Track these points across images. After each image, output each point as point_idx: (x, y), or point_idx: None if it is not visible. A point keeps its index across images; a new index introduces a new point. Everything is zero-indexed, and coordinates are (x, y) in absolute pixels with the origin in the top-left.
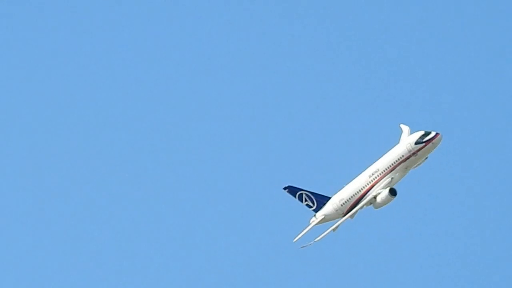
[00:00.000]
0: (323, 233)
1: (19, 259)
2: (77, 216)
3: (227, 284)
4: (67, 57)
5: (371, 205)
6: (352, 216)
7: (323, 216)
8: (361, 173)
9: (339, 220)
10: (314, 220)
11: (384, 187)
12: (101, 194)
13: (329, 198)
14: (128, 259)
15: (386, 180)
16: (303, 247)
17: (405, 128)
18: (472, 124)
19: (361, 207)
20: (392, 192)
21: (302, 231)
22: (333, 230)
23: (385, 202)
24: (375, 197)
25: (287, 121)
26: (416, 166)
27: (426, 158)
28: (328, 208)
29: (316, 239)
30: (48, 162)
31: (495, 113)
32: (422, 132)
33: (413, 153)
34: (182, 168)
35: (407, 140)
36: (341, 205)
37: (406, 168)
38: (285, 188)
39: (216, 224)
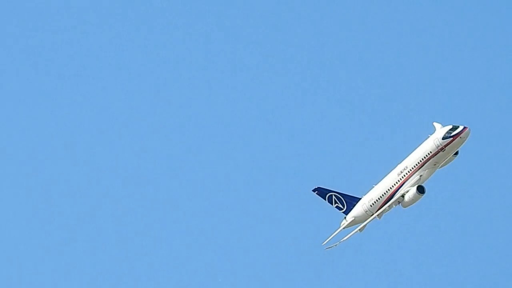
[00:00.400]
0: (349, 233)
1: (19, 259)
2: (77, 216)
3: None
4: (67, 57)
5: (399, 204)
6: (379, 216)
7: (353, 218)
8: (390, 171)
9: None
10: (344, 223)
11: (412, 185)
12: (111, 195)
13: (359, 199)
14: (147, 260)
15: (415, 178)
16: (328, 248)
17: (438, 126)
18: (505, 122)
19: (389, 207)
20: (420, 190)
21: (332, 233)
22: (360, 230)
23: (413, 200)
24: (403, 196)
25: (313, 122)
26: (446, 163)
27: (457, 154)
28: (358, 209)
29: (341, 240)
30: (48, 162)
31: None
32: (450, 127)
33: (441, 149)
34: (210, 170)
35: (435, 135)
36: (371, 205)
37: (435, 164)
38: (314, 190)
39: (247, 227)
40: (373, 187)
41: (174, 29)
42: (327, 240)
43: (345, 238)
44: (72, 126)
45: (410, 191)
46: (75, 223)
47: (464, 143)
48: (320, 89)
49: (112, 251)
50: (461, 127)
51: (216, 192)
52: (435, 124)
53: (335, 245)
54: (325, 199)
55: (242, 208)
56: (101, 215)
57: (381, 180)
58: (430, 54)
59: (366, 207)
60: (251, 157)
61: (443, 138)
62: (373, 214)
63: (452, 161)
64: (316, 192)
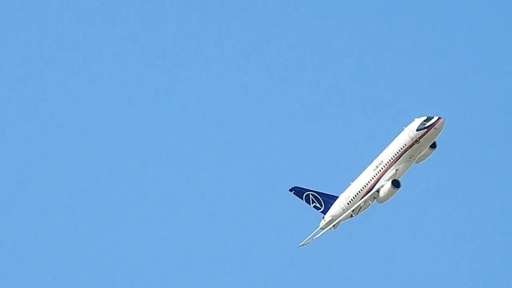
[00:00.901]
0: (322, 231)
1: (19, 259)
2: (77, 216)
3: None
4: (66, 57)
5: (375, 200)
6: (354, 212)
7: (331, 218)
8: (367, 167)
9: (344, 219)
10: (323, 223)
11: (388, 180)
12: (111, 195)
13: (337, 197)
14: (130, 261)
15: (391, 172)
16: (300, 246)
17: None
18: (482, 116)
19: (365, 203)
20: (395, 184)
21: (310, 234)
22: (334, 227)
23: (388, 195)
24: (378, 191)
25: (286, 122)
26: (425, 157)
27: (435, 147)
28: (336, 208)
29: (314, 238)
30: (48, 163)
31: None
32: (424, 118)
33: (416, 141)
34: (187, 171)
35: (409, 127)
36: (348, 203)
37: (410, 157)
38: (291, 190)
39: (223, 230)
40: (350, 184)
41: (173, 28)
42: (306, 240)
43: (317, 236)
44: (71, 126)
45: (385, 186)
46: (74, 224)
47: (439, 134)
48: (293, 88)
49: (108, 251)
50: (435, 118)
51: (191, 194)
52: (416, 119)
53: (308, 243)
54: (302, 199)
55: (218, 211)
56: (100, 215)
57: (358, 176)
58: (399, 46)
59: (343, 205)
60: (225, 158)
61: (417, 130)
62: (351, 212)
63: (430, 155)
64: (293, 191)
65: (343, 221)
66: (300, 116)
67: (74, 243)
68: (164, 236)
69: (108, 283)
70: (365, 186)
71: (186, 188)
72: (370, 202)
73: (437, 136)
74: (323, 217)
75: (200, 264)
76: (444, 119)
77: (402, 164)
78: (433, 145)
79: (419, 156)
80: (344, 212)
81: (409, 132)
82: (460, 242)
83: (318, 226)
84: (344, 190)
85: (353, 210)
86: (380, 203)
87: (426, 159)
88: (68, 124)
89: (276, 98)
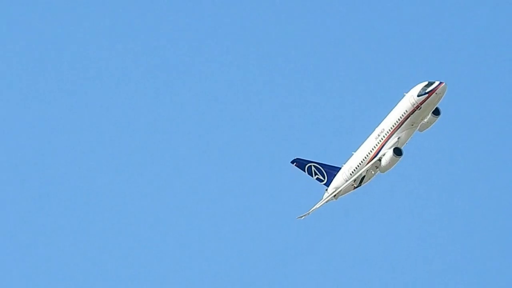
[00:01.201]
0: (322, 201)
1: (19, 259)
2: (77, 217)
3: (236, 262)
4: (65, 57)
5: (377, 169)
6: (356, 182)
7: (334, 189)
8: (369, 136)
9: (346, 190)
10: (326, 195)
11: (389, 148)
12: (110, 195)
13: (339, 168)
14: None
15: (393, 140)
16: (300, 217)
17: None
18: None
19: (367, 172)
20: (397, 152)
21: (313, 206)
22: (335, 198)
23: (390, 163)
24: (380, 160)
25: (286, 93)
26: (428, 125)
27: (439, 114)
28: (339, 179)
29: (313, 208)
30: (47, 163)
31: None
32: (425, 83)
33: (417, 107)
34: (190, 143)
35: (410, 93)
36: (351, 174)
37: (412, 124)
38: (293, 162)
39: (227, 203)
40: (353, 154)
41: (173, 29)
42: (311, 211)
43: (316, 206)
44: (71, 126)
45: (386, 154)
46: (75, 224)
47: (441, 100)
48: (292, 59)
49: (105, 252)
50: (436, 83)
51: (194, 165)
52: (418, 85)
53: (307, 214)
54: (304, 171)
55: (220, 184)
56: (98, 216)
57: (360, 146)
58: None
59: (346, 176)
60: (226, 131)
61: (418, 96)
62: (354, 183)
63: (434, 123)
64: (295, 163)
65: (346, 193)
66: (300, 86)
67: (74, 243)
68: (173, 212)
69: (113, 284)
70: (367, 155)
71: (189, 159)
72: (373, 172)
73: (439, 102)
74: (326, 189)
75: (202, 236)
76: (445, 83)
77: (404, 132)
78: (437, 112)
79: (421, 123)
80: (348, 183)
81: (410, 98)
82: (463, 213)
83: (322, 199)
84: (347, 161)
85: (355, 181)
86: (383, 172)
87: (430, 127)
88: (67, 124)
89: (276, 70)
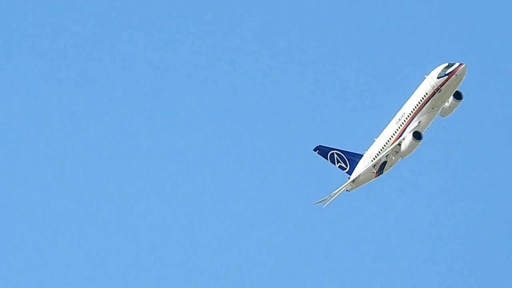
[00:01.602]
0: (340, 187)
1: (20, 259)
2: (78, 217)
3: (256, 251)
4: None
5: (398, 154)
6: (375, 168)
7: (356, 177)
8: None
9: (367, 178)
10: (348, 183)
11: (409, 132)
12: (109, 196)
13: (361, 155)
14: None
15: (414, 124)
16: (317, 203)
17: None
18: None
19: (387, 158)
20: (416, 136)
21: (335, 194)
22: (353, 184)
23: (410, 148)
24: (399, 144)
25: (307, 82)
26: (450, 110)
27: (461, 98)
28: (361, 167)
29: (331, 194)
30: (48, 163)
31: None
32: (446, 64)
33: (437, 89)
34: (210, 132)
35: (430, 75)
36: (372, 160)
37: (433, 108)
38: (315, 149)
39: (249, 192)
40: (374, 140)
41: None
42: (324, 199)
43: (334, 192)
44: (72, 126)
45: (406, 138)
46: (75, 225)
47: (461, 82)
48: (312, 47)
49: (104, 252)
50: (456, 64)
51: (215, 153)
52: (438, 67)
53: (325, 199)
54: (327, 159)
55: (242, 172)
56: (97, 217)
57: (382, 132)
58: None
59: (367, 163)
60: (247, 119)
61: (437, 77)
62: (377, 170)
63: (456, 107)
64: (317, 151)
65: (368, 182)
66: (320, 74)
67: (74, 243)
68: (192, 204)
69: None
70: (388, 141)
71: (211, 147)
72: (393, 158)
73: (459, 84)
74: (349, 177)
75: (221, 223)
76: (465, 65)
77: (425, 115)
78: (459, 96)
79: (443, 107)
80: (370, 170)
81: (429, 80)
82: (487, 201)
83: (344, 187)
84: (369, 148)
85: (374, 166)
86: (403, 157)
87: (452, 112)
88: (68, 124)
89: (297, 59)
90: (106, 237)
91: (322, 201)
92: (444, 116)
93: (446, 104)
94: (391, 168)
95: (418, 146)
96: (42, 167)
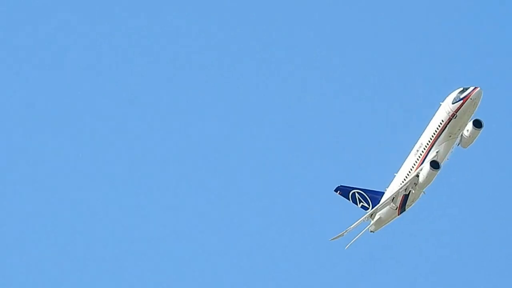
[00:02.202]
0: (357, 221)
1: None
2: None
3: None
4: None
5: (417, 186)
6: (395, 202)
7: (379, 217)
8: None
9: (389, 217)
10: (371, 223)
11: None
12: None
13: (383, 193)
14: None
15: (432, 154)
16: (333, 239)
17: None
18: None
19: (406, 191)
20: (434, 165)
21: (357, 235)
22: (371, 217)
23: (428, 178)
24: (417, 176)
25: (322, 121)
26: (471, 140)
27: (481, 127)
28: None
29: (348, 229)
30: (48, 163)
31: None
32: (460, 89)
33: (452, 115)
34: (223, 175)
35: (445, 101)
36: (393, 198)
37: (450, 136)
38: (336, 190)
39: (270, 233)
40: (395, 176)
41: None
42: (351, 242)
43: (351, 227)
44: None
45: (423, 168)
46: (76, 224)
47: (477, 106)
48: (321, 85)
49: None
50: (471, 88)
51: (231, 198)
52: (453, 92)
53: (341, 235)
54: (348, 199)
55: (265, 216)
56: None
57: (401, 166)
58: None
59: (389, 201)
60: (265, 162)
61: (453, 103)
62: (398, 208)
63: (477, 137)
64: (338, 192)
65: (391, 221)
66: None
67: (73, 243)
68: (208, 223)
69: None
70: (408, 174)
71: (222, 192)
72: (413, 191)
73: (476, 108)
74: (371, 217)
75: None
76: (480, 88)
77: (443, 144)
78: (479, 125)
79: (463, 136)
80: (392, 208)
81: (445, 106)
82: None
83: (369, 229)
84: (390, 184)
85: (393, 200)
86: (422, 188)
87: (473, 141)
88: (68, 124)
89: (311, 98)
90: (106, 238)
91: (339, 236)
92: (465, 147)
93: (466, 133)
94: (413, 204)
95: (436, 175)
96: (41, 167)
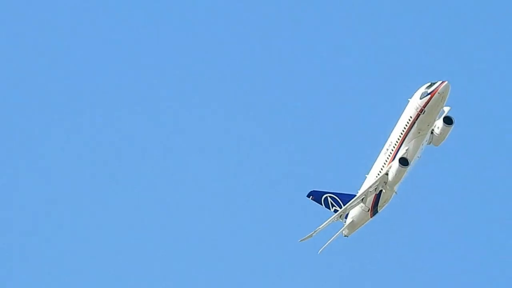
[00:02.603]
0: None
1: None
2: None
3: None
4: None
5: (386, 185)
6: (365, 202)
7: (351, 220)
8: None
9: (362, 220)
10: (344, 227)
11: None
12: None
13: (355, 196)
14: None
15: (401, 152)
16: (302, 240)
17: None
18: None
19: (375, 190)
20: (403, 162)
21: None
22: (340, 218)
23: (397, 176)
24: (387, 174)
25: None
26: (441, 138)
27: (452, 124)
28: (355, 208)
29: (317, 229)
30: (50, 163)
31: None
32: (428, 84)
33: (421, 110)
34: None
35: (413, 97)
36: (362, 199)
37: (419, 132)
38: (308, 195)
39: (247, 240)
40: (366, 177)
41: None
42: (324, 246)
43: (321, 227)
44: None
45: (392, 166)
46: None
47: (445, 100)
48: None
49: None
50: (438, 82)
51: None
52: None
53: (310, 236)
54: (321, 203)
55: (239, 226)
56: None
57: (372, 167)
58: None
59: (361, 204)
60: (233, 166)
61: (420, 98)
62: (368, 209)
63: (448, 134)
64: (311, 197)
65: (363, 224)
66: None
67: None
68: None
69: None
70: (379, 174)
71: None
72: (384, 191)
73: (444, 103)
74: (344, 221)
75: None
76: (448, 82)
77: (413, 141)
78: (449, 121)
79: (430, 129)
80: (364, 210)
81: (413, 102)
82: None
83: (342, 233)
84: (361, 186)
85: (363, 200)
86: (393, 186)
87: (445, 139)
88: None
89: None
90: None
91: (308, 237)
92: (437, 145)
93: (437, 130)
94: (386, 205)
95: (405, 173)
96: (41, 167)
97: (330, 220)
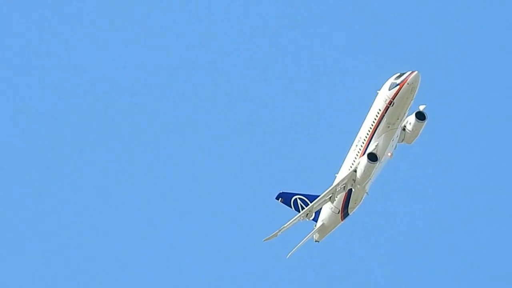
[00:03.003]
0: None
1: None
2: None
3: None
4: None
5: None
6: (330, 200)
7: (321, 223)
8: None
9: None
10: (314, 231)
11: None
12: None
13: None
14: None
15: (371, 147)
16: (266, 239)
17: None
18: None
19: (344, 188)
20: (371, 157)
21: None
22: (307, 217)
23: (366, 172)
24: (355, 171)
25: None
26: (414, 135)
27: (424, 120)
28: (325, 211)
29: (281, 228)
30: (50, 164)
31: None
32: (397, 74)
33: (389, 102)
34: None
35: (382, 89)
36: (330, 196)
37: (388, 126)
38: (277, 198)
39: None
40: (336, 177)
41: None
42: (293, 251)
43: (285, 226)
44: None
45: (360, 162)
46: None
47: (415, 91)
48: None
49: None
50: (408, 72)
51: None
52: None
53: (275, 235)
54: (291, 206)
55: (209, 229)
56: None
57: (341, 166)
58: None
59: (330, 205)
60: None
61: (389, 89)
62: (338, 211)
63: (421, 130)
64: (280, 199)
65: (334, 228)
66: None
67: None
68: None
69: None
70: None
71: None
72: (353, 189)
73: (414, 94)
74: (315, 225)
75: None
76: (418, 72)
77: (382, 136)
78: (422, 117)
79: (400, 123)
80: (334, 212)
81: (381, 94)
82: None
83: (313, 238)
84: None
85: (330, 198)
86: (362, 184)
87: (418, 136)
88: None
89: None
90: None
91: (272, 236)
92: (410, 143)
93: (409, 127)
94: (357, 206)
95: (374, 169)
96: (41, 166)
97: (295, 219)
